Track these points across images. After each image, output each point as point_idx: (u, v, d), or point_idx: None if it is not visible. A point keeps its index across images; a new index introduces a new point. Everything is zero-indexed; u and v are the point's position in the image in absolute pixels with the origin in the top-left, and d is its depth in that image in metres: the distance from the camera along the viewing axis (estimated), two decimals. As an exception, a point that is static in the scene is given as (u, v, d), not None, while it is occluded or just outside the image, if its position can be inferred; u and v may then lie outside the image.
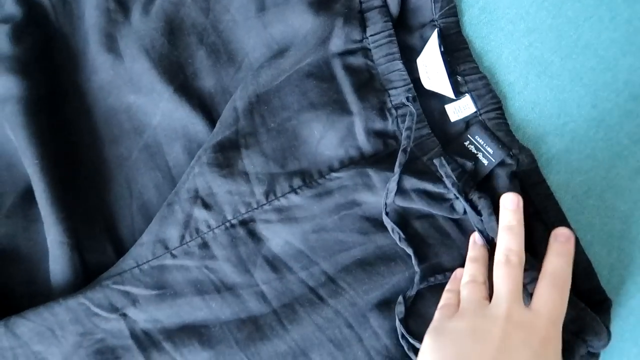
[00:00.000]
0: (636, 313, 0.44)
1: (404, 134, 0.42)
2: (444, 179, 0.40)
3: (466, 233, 0.42)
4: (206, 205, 0.42)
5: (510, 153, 0.43)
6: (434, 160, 0.41)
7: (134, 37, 0.45)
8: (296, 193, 0.42)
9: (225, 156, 0.42)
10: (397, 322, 0.41)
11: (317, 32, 0.43)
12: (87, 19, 0.46)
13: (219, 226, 0.42)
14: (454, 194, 0.40)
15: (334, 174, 0.43)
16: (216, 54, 0.46)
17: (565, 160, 0.46)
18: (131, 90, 0.45)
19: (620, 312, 0.44)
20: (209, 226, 0.42)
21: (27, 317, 0.40)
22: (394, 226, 0.41)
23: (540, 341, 0.34)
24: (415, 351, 0.40)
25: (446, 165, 0.40)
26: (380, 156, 0.43)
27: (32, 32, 0.45)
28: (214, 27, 0.46)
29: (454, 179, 0.39)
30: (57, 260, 0.41)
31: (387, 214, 0.41)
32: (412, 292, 0.41)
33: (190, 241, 0.42)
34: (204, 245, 0.42)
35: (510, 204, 0.39)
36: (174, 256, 0.42)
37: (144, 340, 0.41)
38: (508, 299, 0.36)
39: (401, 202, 0.41)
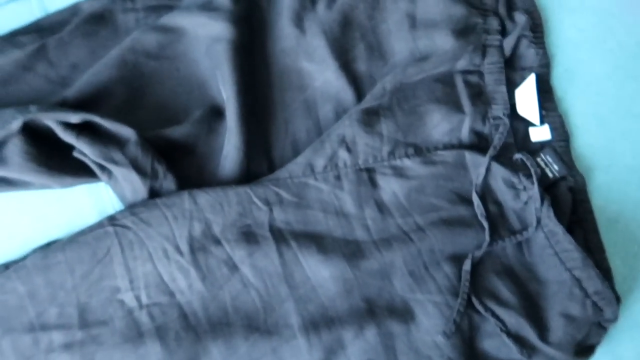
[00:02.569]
0: (635, 316, 0.58)
1: (496, 137, 0.57)
2: (528, 164, 0.54)
3: (523, 221, 0.56)
4: (348, 149, 0.56)
5: (570, 173, 0.58)
6: (519, 154, 0.55)
7: (317, 21, 0.61)
8: (409, 158, 0.57)
9: (370, 118, 0.57)
10: (464, 271, 0.54)
11: (453, 51, 0.59)
12: (284, 0, 0.62)
13: (351, 166, 0.56)
14: (524, 184, 0.54)
15: (438, 152, 0.57)
16: (371, 49, 0.61)
17: (605, 191, 0.61)
18: (305, 58, 0.60)
19: (624, 313, 0.58)
20: (345, 164, 0.56)
21: (207, 191, 0.54)
22: (480, 203, 0.55)
23: None
24: (471, 294, 0.53)
25: (530, 157, 0.55)
26: (473, 149, 0.58)
27: (244, -2, 0.61)
28: (373, 30, 0.62)
29: (536, 167, 0.54)
30: (231, 161, 0.55)
31: (476, 192, 0.56)
32: (479, 253, 0.55)
33: (329, 171, 0.56)
34: (338, 178, 0.56)
35: None
36: (316, 179, 0.56)
37: (278, 234, 0.54)
38: None
39: (485, 183, 0.55)
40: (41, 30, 0.61)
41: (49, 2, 0.63)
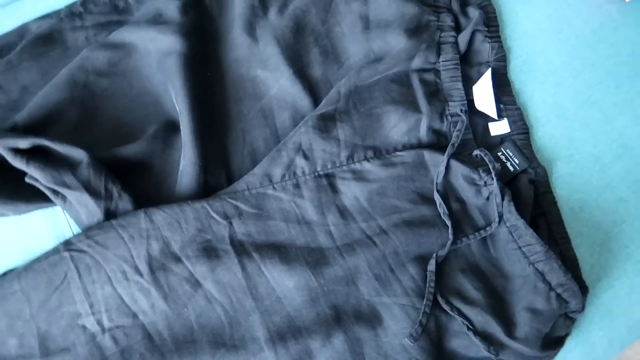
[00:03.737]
0: (605, 304, 0.58)
1: (454, 134, 0.57)
2: (486, 160, 0.54)
3: (486, 216, 0.56)
4: (305, 156, 0.55)
5: (531, 166, 0.58)
6: (477, 150, 0.55)
7: (269, 28, 0.60)
8: (368, 161, 0.56)
9: (325, 124, 0.56)
10: (429, 272, 0.54)
11: (407, 51, 0.59)
12: (236, 8, 0.61)
13: (310, 174, 0.56)
14: (484, 180, 0.54)
15: (397, 153, 0.57)
16: (326, 53, 0.61)
17: (568, 181, 0.61)
18: (259, 66, 0.60)
19: (594, 302, 0.58)
20: (303, 172, 0.55)
21: (163, 209, 0.53)
22: (442, 202, 0.55)
23: None
24: (437, 294, 0.53)
25: (488, 153, 0.54)
26: (433, 148, 0.58)
27: (194, 9, 0.60)
28: (327, 34, 0.61)
29: (494, 162, 0.53)
30: (187, 176, 0.54)
31: (437, 191, 0.55)
32: (443, 253, 0.54)
33: (287, 180, 0.55)
34: (297, 186, 0.55)
35: None
36: (274, 188, 0.55)
37: (239, 247, 0.53)
38: None
39: (446, 181, 0.55)
40: (-12, 54, 0.60)
41: (-3, 25, 0.62)
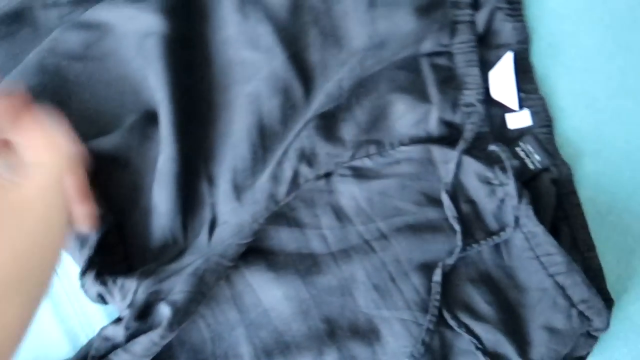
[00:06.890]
0: (632, 318, 0.52)
1: (467, 127, 0.50)
2: (503, 157, 0.47)
3: (500, 220, 0.50)
4: (309, 163, 0.49)
5: (554, 163, 0.51)
6: (493, 145, 0.49)
7: (261, 5, 0.53)
8: (369, 158, 0.50)
9: (328, 123, 0.50)
10: (434, 283, 0.48)
11: (416, 33, 0.52)
12: (225, -18, 0.55)
13: (312, 180, 0.50)
14: (500, 179, 0.48)
15: (402, 147, 0.51)
16: (325, 35, 0.54)
17: (595, 180, 0.54)
18: (249, 46, 0.53)
19: (618, 315, 0.52)
20: (306, 180, 0.49)
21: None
22: (450, 204, 0.49)
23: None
24: (443, 308, 0.48)
25: (507, 149, 0.48)
26: (443, 142, 0.51)
27: (177, -16, 0.54)
28: (327, 13, 0.54)
29: (512, 160, 0.47)
30: (166, 174, 0.49)
31: (446, 191, 0.49)
32: (451, 261, 0.49)
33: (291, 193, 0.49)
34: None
35: None
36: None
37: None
38: None
39: (456, 180, 0.49)
40: (-46, 35, 0.55)
41: (-35, 2, 0.57)
